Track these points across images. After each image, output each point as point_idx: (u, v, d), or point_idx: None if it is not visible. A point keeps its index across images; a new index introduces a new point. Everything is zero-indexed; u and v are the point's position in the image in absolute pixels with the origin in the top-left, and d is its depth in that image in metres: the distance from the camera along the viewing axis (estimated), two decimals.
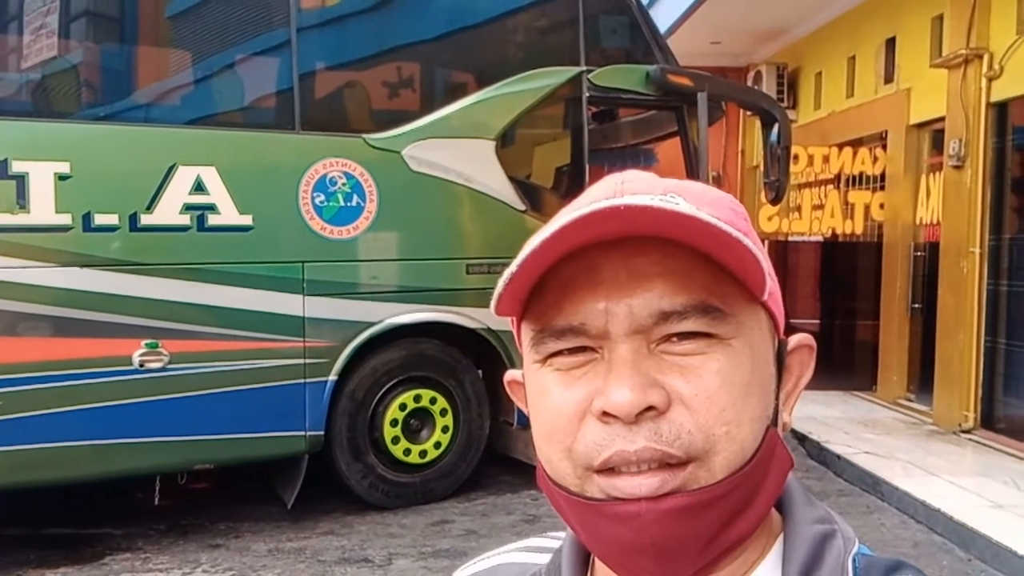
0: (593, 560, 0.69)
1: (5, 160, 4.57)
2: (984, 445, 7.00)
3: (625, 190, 0.62)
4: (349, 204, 5.41)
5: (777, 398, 0.64)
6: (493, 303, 0.61)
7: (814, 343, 0.69)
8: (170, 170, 4.94)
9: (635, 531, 0.58)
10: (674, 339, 0.59)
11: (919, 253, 8.55)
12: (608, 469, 0.59)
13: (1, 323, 4.62)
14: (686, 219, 0.56)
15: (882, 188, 9.02)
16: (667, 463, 0.58)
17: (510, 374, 0.71)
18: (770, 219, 9.24)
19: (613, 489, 0.59)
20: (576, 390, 0.60)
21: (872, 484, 6.20)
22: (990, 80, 7.04)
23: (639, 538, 0.59)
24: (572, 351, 0.61)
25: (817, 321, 9.45)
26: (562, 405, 0.61)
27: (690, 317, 0.59)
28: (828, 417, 7.93)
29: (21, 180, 4.59)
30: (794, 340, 0.67)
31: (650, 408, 0.58)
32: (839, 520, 0.67)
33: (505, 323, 0.67)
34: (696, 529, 0.59)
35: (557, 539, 0.74)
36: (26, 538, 5.20)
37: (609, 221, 0.57)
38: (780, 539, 0.65)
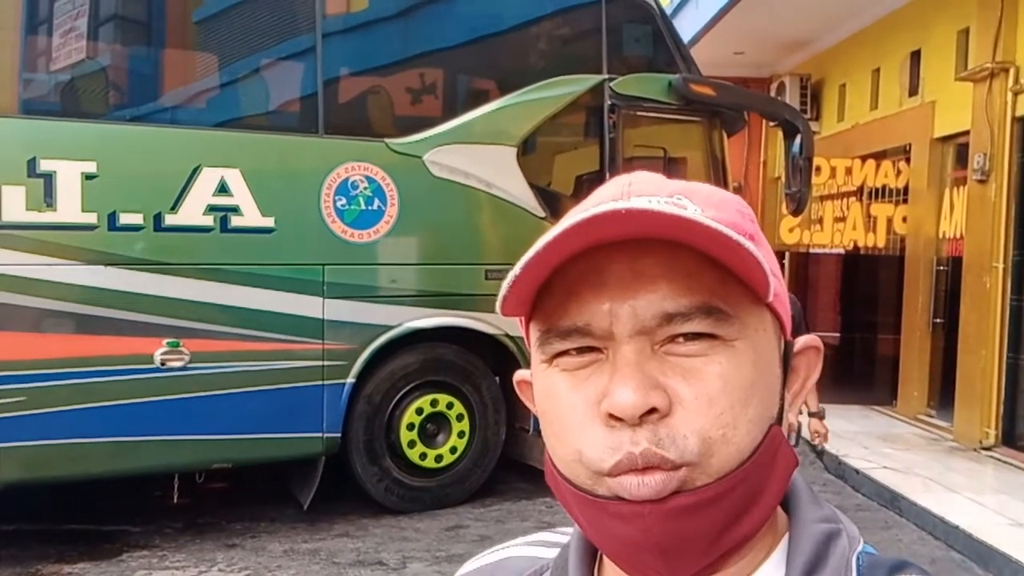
0: (600, 556, 0.69)
1: (34, 158, 4.64)
2: (1005, 463, 6.92)
3: (632, 192, 0.63)
4: (370, 208, 5.44)
5: (782, 399, 0.65)
6: (498, 303, 0.62)
7: (821, 345, 0.69)
8: (194, 171, 4.99)
9: (640, 530, 0.59)
10: (678, 340, 0.60)
11: (941, 267, 8.48)
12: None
13: (26, 319, 4.68)
14: (688, 223, 0.57)
15: (905, 201, 8.96)
16: (664, 467, 0.59)
17: (519, 374, 0.72)
18: (791, 231, 9.20)
19: (619, 488, 0.59)
20: (583, 391, 0.61)
21: (891, 499, 6.15)
22: (1016, 94, 6.98)
23: (644, 537, 0.59)
24: (578, 351, 0.61)
25: (838, 334, 9.39)
26: (571, 407, 0.61)
27: (694, 318, 0.59)
28: (847, 431, 7.87)
29: (49, 178, 4.66)
30: (800, 342, 0.68)
31: (653, 410, 0.58)
32: (844, 519, 0.67)
33: (522, 329, 0.68)
34: (700, 528, 0.60)
35: (565, 534, 0.75)
36: (45, 533, 5.26)
37: (613, 224, 0.57)
38: (785, 538, 0.66)
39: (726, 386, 0.59)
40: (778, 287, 0.62)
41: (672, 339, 0.60)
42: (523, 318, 0.66)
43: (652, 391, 0.58)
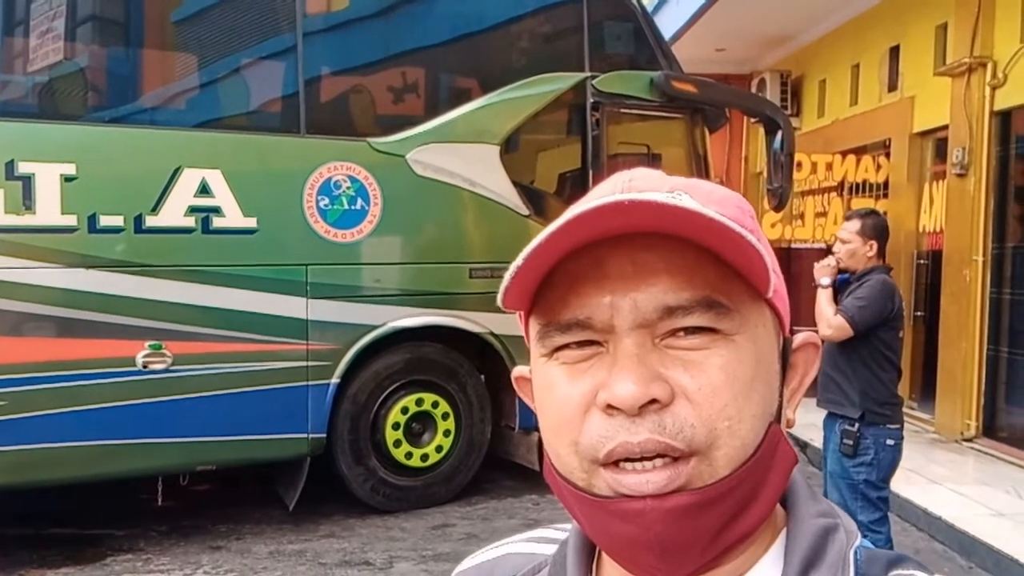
0: (598, 551, 0.69)
1: (12, 161, 4.59)
2: (986, 454, 6.99)
3: (632, 187, 0.63)
4: (353, 208, 5.43)
5: (781, 395, 0.65)
6: (500, 296, 0.62)
7: (819, 341, 0.69)
8: (175, 172, 4.96)
9: (640, 528, 0.59)
10: (679, 334, 0.60)
11: (922, 261, 8.55)
12: (614, 463, 0.59)
13: (6, 323, 4.64)
14: (691, 215, 0.57)
15: (885, 196, 9.02)
16: (670, 456, 0.59)
17: (517, 370, 0.72)
18: (773, 226, 9.23)
19: (619, 486, 0.59)
20: (581, 383, 0.61)
21: None
22: (994, 89, 7.05)
23: (644, 535, 0.59)
24: (578, 345, 0.61)
25: None
26: (568, 398, 0.61)
27: (694, 312, 0.59)
28: None
29: (27, 181, 4.62)
30: (799, 338, 0.68)
31: (653, 401, 0.58)
32: (842, 514, 0.67)
33: (508, 327, 0.68)
34: (700, 526, 0.60)
35: (563, 530, 0.75)
36: (28, 538, 5.21)
37: (615, 216, 0.57)
38: (783, 533, 0.66)
39: (728, 378, 0.59)
40: (778, 283, 0.63)
41: (672, 333, 0.60)
42: (522, 313, 0.65)
43: (653, 382, 0.58)
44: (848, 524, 0.66)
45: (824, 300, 4.15)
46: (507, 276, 0.60)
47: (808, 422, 7.77)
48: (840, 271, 4.26)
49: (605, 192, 0.63)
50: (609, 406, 0.59)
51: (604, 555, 0.68)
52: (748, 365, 0.61)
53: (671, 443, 0.58)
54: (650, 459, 0.59)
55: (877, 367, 4.02)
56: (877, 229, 4.18)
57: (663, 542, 0.59)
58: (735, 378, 0.60)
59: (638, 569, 0.63)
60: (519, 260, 0.59)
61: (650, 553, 0.60)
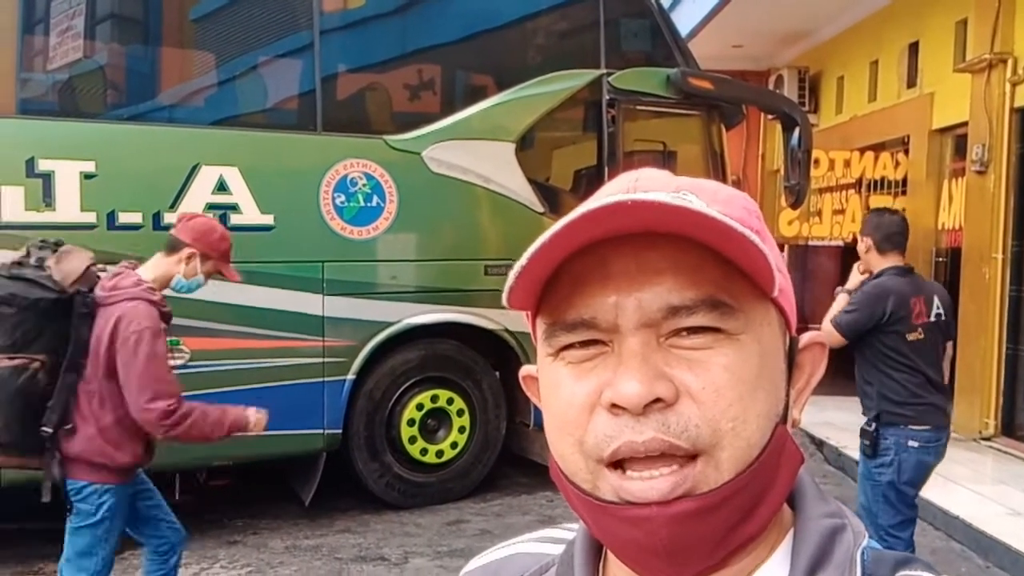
0: (605, 551, 0.70)
1: (32, 159, 4.64)
2: (1005, 453, 6.94)
3: (638, 187, 0.63)
4: (369, 205, 5.45)
5: (787, 395, 0.65)
6: (504, 295, 0.62)
7: (826, 341, 0.69)
8: (193, 170, 5.00)
9: (646, 533, 0.59)
10: (683, 333, 0.60)
11: (941, 259, 8.49)
12: (619, 464, 0.60)
13: None
14: (695, 215, 0.57)
15: (904, 193, 8.96)
16: (675, 455, 0.59)
17: (525, 369, 0.72)
18: (790, 223, 9.20)
19: (624, 492, 0.59)
20: (587, 382, 0.61)
21: None
22: (1014, 85, 6.98)
23: (650, 539, 0.59)
24: (583, 344, 0.61)
25: None
26: (573, 397, 0.61)
27: (699, 312, 0.59)
28: (847, 423, 7.85)
29: (47, 178, 4.66)
30: (805, 338, 0.68)
31: (658, 400, 0.58)
32: (849, 515, 0.67)
33: (523, 324, 0.68)
34: (706, 530, 0.60)
35: (571, 530, 0.75)
36: (48, 532, 5.25)
37: (619, 216, 0.57)
38: (790, 533, 0.66)
39: (732, 378, 0.59)
40: (783, 282, 0.62)
41: (677, 332, 0.60)
42: (529, 312, 0.66)
43: (657, 382, 0.58)
44: (856, 525, 0.66)
45: (834, 306, 4.15)
46: (511, 276, 0.60)
47: (825, 420, 7.77)
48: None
49: (611, 192, 0.63)
50: (614, 405, 0.59)
51: (611, 555, 0.68)
52: (753, 365, 0.61)
53: (675, 442, 0.58)
54: (655, 458, 0.59)
55: (889, 368, 3.98)
56: (871, 224, 4.12)
57: (669, 546, 0.59)
58: (740, 378, 0.60)
59: (645, 571, 0.63)
60: (522, 260, 0.59)
61: (656, 557, 0.60)
